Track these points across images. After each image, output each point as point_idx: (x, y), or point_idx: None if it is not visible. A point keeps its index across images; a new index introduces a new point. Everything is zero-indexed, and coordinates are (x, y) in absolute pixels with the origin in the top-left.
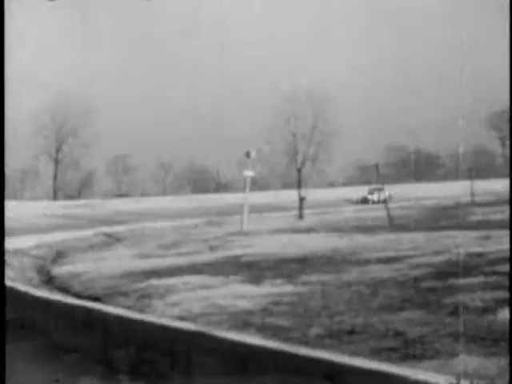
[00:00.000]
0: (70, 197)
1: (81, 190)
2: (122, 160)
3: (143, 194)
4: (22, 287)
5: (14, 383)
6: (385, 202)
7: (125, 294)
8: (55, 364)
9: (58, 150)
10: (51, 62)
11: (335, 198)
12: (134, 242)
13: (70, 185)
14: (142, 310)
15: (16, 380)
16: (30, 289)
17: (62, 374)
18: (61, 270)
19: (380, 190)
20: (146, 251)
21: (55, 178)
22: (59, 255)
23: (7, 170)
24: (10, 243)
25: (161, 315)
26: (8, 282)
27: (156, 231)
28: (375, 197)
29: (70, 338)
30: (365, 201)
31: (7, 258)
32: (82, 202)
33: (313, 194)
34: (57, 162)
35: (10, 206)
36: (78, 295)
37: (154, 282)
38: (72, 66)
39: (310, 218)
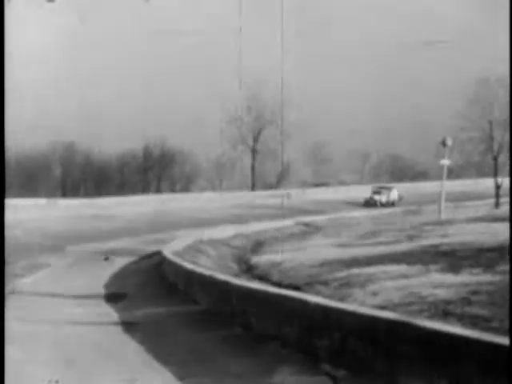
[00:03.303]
0: (268, 187)
1: (279, 180)
2: (319, 149)
3: (341, 183)
4: (220, 276)
5: (212, 371)
6: (393, 204)
7: (325, 283)
8: (255, 352)
9: (255, 140)
10: (248, 49)
11: None
12: (332, 232)
13: (268, 175)
14: (342, 299)
15: (215, 368)
16: (230, 278)
17: (260, 361)
18: (260, 260)
19: (388, 189)
20: (345, 240)
21: (253, 168)
22: (258, 245)
23: (203, 161)
24: (206, 234)
25: (361, 304)
26: (206, 271)
27: (354, 220)
28: (383, 198)
29: (270, 327)
30: (370, 203)
31: (203, 247)
32: (280, 191)
33: (508, 183)
34: (254, 151)
35: (206, 196)
36: (277, 284)
37: (353, 271)
38: (267, 54)
39: (506, 207)
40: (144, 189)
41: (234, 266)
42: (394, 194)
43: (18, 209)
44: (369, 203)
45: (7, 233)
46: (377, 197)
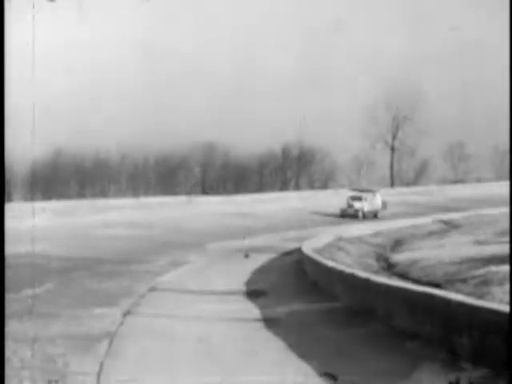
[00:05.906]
0: (407, 184)
1: (417, 177)
2: (457, 146)
3: (479, 180)
4: (361, 273)
5: (353, 368)
6: (376, 215)
7: (463, 281)
8: (396, 350)
9: (393, 138)
10: (389, 48)
11: None
12: (470, 229)
13: (406, 172)
14: (481, 297)
15: (356, 365)
16: (370, 275)
17: (402, 360)
18: (400, 257)
19: (371, 193)
20: (483, 238)
21: (391, 165)
22: (398, 242)
23: (342, 159)
24: (345, 231)
25: (500, 302)
26: (347, 269)
27: (492, 217)
28: (365, 205)
29: (411, 325)
30: (349, 213)
31: (343, 244)
32: (418, 189)
33: None
34: (393, 149)
35: (344, 194)
36: (417, 281)
37: (492, 268)
38: (406, 53)
39: None
40: (282, 186)
41: (374, 264)
42: (377, 201)
43: (163, 205)
44: (347, 213)
45: (150, 231)
46: (358, 204)
